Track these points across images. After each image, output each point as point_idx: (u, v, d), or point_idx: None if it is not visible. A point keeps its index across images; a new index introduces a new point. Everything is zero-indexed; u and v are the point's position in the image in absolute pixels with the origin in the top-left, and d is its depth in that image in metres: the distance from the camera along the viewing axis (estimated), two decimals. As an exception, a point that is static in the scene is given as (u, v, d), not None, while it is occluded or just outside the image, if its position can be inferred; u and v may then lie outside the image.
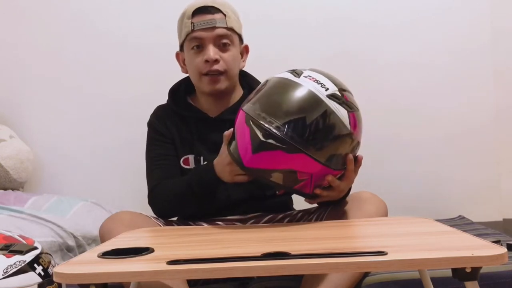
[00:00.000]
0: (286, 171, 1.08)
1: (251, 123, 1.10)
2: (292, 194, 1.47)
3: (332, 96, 1.10)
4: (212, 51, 1.38)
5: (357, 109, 1.14)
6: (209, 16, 1.39)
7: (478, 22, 2.22)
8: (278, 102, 1.10)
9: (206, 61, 1.39)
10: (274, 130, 1.06)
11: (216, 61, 1.39)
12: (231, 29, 1.42)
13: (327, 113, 1.08)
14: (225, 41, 1.41)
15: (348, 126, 1.10)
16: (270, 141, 1.06)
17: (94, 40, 2.25)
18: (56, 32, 2.26)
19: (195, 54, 1.41)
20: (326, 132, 1.08)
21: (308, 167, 1.08)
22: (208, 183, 1.27)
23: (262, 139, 1.07)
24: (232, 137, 1.18)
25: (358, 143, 1.15)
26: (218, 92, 1.42)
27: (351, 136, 1.11)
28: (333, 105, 1.09)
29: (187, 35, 1.41)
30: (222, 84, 1.41)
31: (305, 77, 1.13)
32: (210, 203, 1.34)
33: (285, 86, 1.12)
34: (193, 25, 1.39)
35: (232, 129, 1.18)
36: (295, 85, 1.11)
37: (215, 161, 1.25)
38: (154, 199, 1.39)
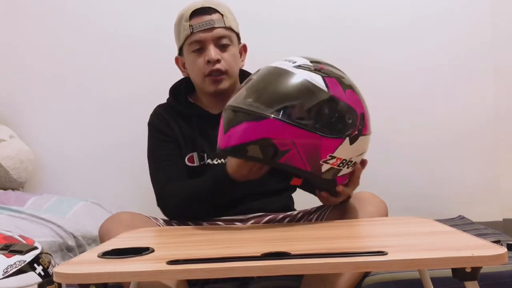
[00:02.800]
0: (260, 141, 1.06)
1: (223, 111, 1.15)
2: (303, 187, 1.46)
3: (300, 66, 1.11)
4: (213, 52, 1.39)
5: (339, 76, 1.13)
6: (207, 17, 1.40)
7: (478, 22, 2.22)
8: (248, 85, 1.14)
9: (208, 61, 1.39)
10: (239, 105, 1.10)
11: (218, 61, 1.39)
12: (229, 29, 1.43)
13: (291, 77, 1.10)
14: (224, 41, 1.41)
15: (325, 88, 1.08)
16: (236, 115, 1.09)
17: (94, 40, 2.25)
18: (56, 32, 2.26)
19: (196, 56, 1.41)
20: (293, 94, 1.08)
21: (280, 131, 1.05)
22: (226, 188, 1.27)
23: (230, 116, 1.11)
24: None
25: (340, 103, 1.09)
26: (221, 92, 1.42)
27: (327, 95, 1.08)
28: (302, 72, 1.10)
29: (186, 38, 1.41)
30: (225, 83, 1.42)
31: (279, 61, 1.16)
32: (221, 201, 1.34)
33: (257, 72, 1.17)
34: (192, 28, 1.40)
35: None
36: (265, 68, 1.16)
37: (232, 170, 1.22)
38: (165, 201, 1.38)
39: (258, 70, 1.18)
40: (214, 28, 1.40)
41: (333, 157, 1.09)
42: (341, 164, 1.11)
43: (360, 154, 1.15)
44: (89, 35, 2.25)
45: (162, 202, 1.39)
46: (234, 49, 1.44)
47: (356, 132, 1.10)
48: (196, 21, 1.40)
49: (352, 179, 1.17)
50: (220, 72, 1.40)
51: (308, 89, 1.08)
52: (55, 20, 2.27)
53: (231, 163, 1.20)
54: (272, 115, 1.06)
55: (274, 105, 1.06)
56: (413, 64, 2.23)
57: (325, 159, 1.08)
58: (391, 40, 2.23)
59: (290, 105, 1.07)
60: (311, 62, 1.13)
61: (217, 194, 1.29)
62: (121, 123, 2.22)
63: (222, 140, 1.12)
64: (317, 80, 1.09)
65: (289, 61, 1.14)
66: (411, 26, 2.23)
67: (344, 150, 1.09)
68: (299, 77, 1.09)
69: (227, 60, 1.41)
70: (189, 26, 1.40)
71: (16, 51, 2.28)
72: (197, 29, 1.39)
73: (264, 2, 2.22)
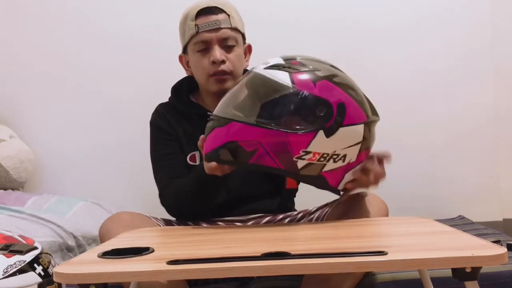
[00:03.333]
0: (227, 145, 1.08)
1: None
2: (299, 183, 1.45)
3: (270, 67, 1.11)
4: (218, 52, 1.38)
5: (311, 69, 1.09)
6: (213, 17, 1.39)
7: (478, 22, 2.22)
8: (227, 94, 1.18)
9: (213, 62, 1.39)
10: (214, 113, 1.13)
11: (223, 62, 1.39)
12: (235, 29, 1.42)
13: (256, 79, 1.11)
14: (230, 42, 1.41)
15: (289, 84, 1.06)
16: (211, 123, 1.13)
17: (94, 40, 2.25)
18: (57, 31, 2.26)
19: (201, 55, 1.41)
20: (254, 94, 1.10)
21: (243, 133, 1.06)
22: (216, 181, 1.25)
23: (208, 124, 1.14)
24: None
25: (307, 96, 1.06)
26: (225, 92, 1.41)
27: (290, 90, 1.06)
28: (268, 73, 1.10)
29: (192, 37, 1.40)
30: (229, 83, 1.41)
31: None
32: (217, 197, 1.33)
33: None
34: (197, 27, 1.39)
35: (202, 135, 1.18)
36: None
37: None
38: (166, 200, 1.38)
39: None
40: (220, 28, 1.39)
41: (308, 152, 1.06)
42: (322, 159, 1.07)
43: (351, 146, 1.09)
44: (89, 35, 2.25)
45: (164, 201, 1.39)
46: (239, 50, 1.44)
47: (332, 124, 1.06)
48: (202, 20, 1.39)
49: (358, 178, 1.15)
50: (225, 73, 1.40)
51: (268, 87, 1.08)
52: (55, 20, 2.27)
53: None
54: (235, 118, 1.08)
55: (238, 108, 1.10)
56: (413, 64, 2.22)
57: (298, 155, 1.06)
58: (391, 40, 2.23)
59: (251, 105, 1.08)
60: (285, 60, 1.12)
61: (205, 191, 1.28)
62: (121, 123, 2.22)
63: (204, 147, 1.16)
64: (281, 77, 1.08)
65: (264, 63, 1.14)
66: (411, 26, 2.23)
67: (321, 144, 1.06)
68: (261, 77, 1.10)
69: (232, 61, 1.41)
70: (195, 26, 1.39)
71: (16, 51, 2.28)
72: (203, 29, 1.38)
73: (264, 1, 2.22)
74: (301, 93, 1.06)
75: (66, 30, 2.26)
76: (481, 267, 0.75)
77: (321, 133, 1.05)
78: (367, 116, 1.11)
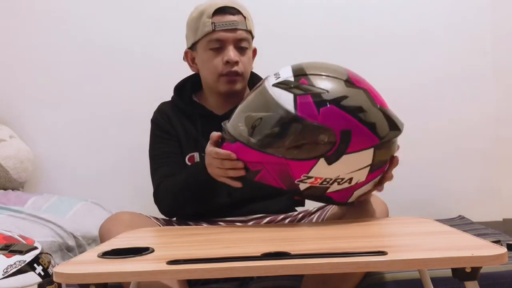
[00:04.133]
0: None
1: None
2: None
3: (278, 84, 1.09)
4: (233, 53, 1.38)
5: (319, 92, 1.05)
6: (231, 17, 1.38)
7: (478, 22, 2.22)
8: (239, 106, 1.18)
9: (227, 62, 1.38)
10: (225, 125, 1.17)
11: (236, 63, 1.38)
12: (249, 32, 1.42)
13: (262, 98, 1.10)
14: (244, 44, 1.40)
15: (293, 110, 1.04)
16: (223, 133, 1.17)
17: (94, 40, 2.25)
18: (57, 32, 2.26)
19: (213, 54, 1.39)
20: (259, 117, 1.09)
21: (247, 154, 1.09)
22: (203, 183, 1.25)
23: (221, 133, 1.18)
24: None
25: (308, 124, 1.04)
26: (234, 93, 1.41)
27: (293, 116, 1.04)
28: (275, 92, 1.08)
29: (206, 34, 1.39)
30: (239, 85, 1.41)
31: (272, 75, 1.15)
32: (210, 201, 1.33)
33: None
34: (214, 25, 1.37)
35: (220, 133, 1.18)
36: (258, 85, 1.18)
37: (206, 162, 1.22)
38: (158, 198, 1.39)
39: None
40: (236, 29, 1.38)
41: (309, 177, 1.06)
42: (324, 183, 1.07)
43: (357, 170, 1.06)
44: (89, 35, 2.25)
45: (156, 200, 1.39)
46: (250, 53, 1.44)
47: (334, 152, 1.03)
48: (219, 19, 1.37)
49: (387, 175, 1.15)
50: (237, 74, 1.39)
51: (272, 109, 1.07)
52: (56, 20, 2.27)
53: (206, 157, 1.21)
54: (239, 139, 1.09)
55: (245, 125, 1.10)
56: (413, 64, 2.22)
57: (300, 179, 1.07)
58: (391, 41, 2.23)
59: (255, 128, 1.08)
60: (295, 75, 1.09)
61: (198, 189, 1.28)
62: (122, 123, 2.22)
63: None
64: (285, 99, 1.05)
65: (275, 75, 1.12)
66: (411, 26, 2.23)
67: (322, 170, 1.05)
68: (268, 96, 1.09)
69: (244, 63, 1.40)
70: (212, 24, 1.37)
71: (16, 51, 2.28)
72: (220, 27, 1.37)
73: (268, 2, 2.22)
74: (302, 120, 1.03)
75: (67, 30, 2.26)
76: (481, 267, 0.75)
77: (322, 160, 1.04)
78: (379, 138, 1.06)
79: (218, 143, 1.18)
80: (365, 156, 1.06)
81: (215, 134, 1.18)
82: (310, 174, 1.05)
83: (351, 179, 1.07)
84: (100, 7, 2.26)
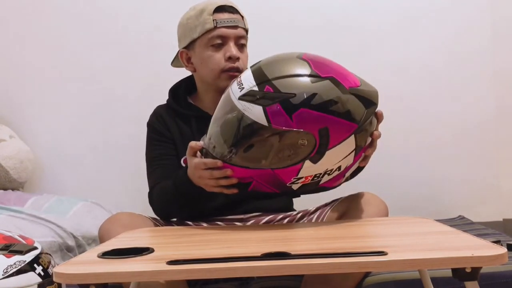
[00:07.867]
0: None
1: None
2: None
3: (244, 96, 1.05)
4: (234, 49, 1.39)
5: (286, 97, 1.02)
6: (231, 15, 1.40)
7: (478, 22, 2.22)
8: (211, 123, 1.15)
9: (229, 58, 1.39)
10: (206, 146, 1.14)
11: (238, 59, 1.40)
12: (246, 31, 1.45)
13: (232, 116, 1.06)
14: (243, 41, 1.43)
15: (266, 123, 1.01)
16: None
17: (94, 40, 2.25)
18: (57, 31, 2.26)
19: (214, 50, 1.40)
20: (236, 136, 1.05)
21: (236, 171, 1.09)
22: (195, 193, 1.24)
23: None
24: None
25: (284, 134, 1.02)
26: None
27: (270, 129, 1.01)
28: (244, 106, 1.04)
29: (207, 31, 1.39)
30: None
31: (237, 81, 1.11)
32: (206, 203, 1.33)
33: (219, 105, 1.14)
34: (216, 22, 1.38)
35: (200, 142, 1.17)
36: (222, 97, 1.14)
37: (189, 174, 1.20)
38: (152, 200, 1.39)
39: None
40: (237, 27, 1.40)
41: (299, 178, 1.07)
42: (315, 178, 1.07)
43: (344, 158, 1.07)
44: (89, 35, 2.26)
45: (150, 202, 1.40)
46: (247, 51, 1.46)
47: (317, 152, 1.02)
48: (220, 16, 1.39)
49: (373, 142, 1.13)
50: (238, 70, 1.39)
51: (246, 127, 1.03)
52: (56, 20, 2.27)
53: (189, 164, 1.19)
54: (223, 159, 1.09)
55: (226, 143, 1.07)
56: (413, 64, 2.23)
57: (291, 182, 1.08)
58: (391, 41, 2.23)
59: (235, 147, 1.06)
60: (258, 83, 1.05)
61: (182, 196, 1.27)
62: (121, 123, 2.22)
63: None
64: (256, 113, 1.02)
65: (239, 85, 1.08)
66: (411, 25, 2.23)
67: (310, 169, 1.05)
68: (239, 115, 1.04)
69: (243, 60, 1.42)
70: (213, 20, 1.38)
71: (16, 50, 2.28)
72: (221, 24, 1.39)
73: (261, 4, 2.22)
74: (278, 131, 1.01)
75: (66, 30, 2.26)
76: (481, 267, 0.75)
77: (307, 162, 1.04)
78: (357, 122, 1.05)
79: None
80: (348, 144, 1.05)
81: (195, 145, 1.16)
82: (299, 176, 1.06)
83: (339, 167, 1.08)
84: (101, 7, 2.26)
